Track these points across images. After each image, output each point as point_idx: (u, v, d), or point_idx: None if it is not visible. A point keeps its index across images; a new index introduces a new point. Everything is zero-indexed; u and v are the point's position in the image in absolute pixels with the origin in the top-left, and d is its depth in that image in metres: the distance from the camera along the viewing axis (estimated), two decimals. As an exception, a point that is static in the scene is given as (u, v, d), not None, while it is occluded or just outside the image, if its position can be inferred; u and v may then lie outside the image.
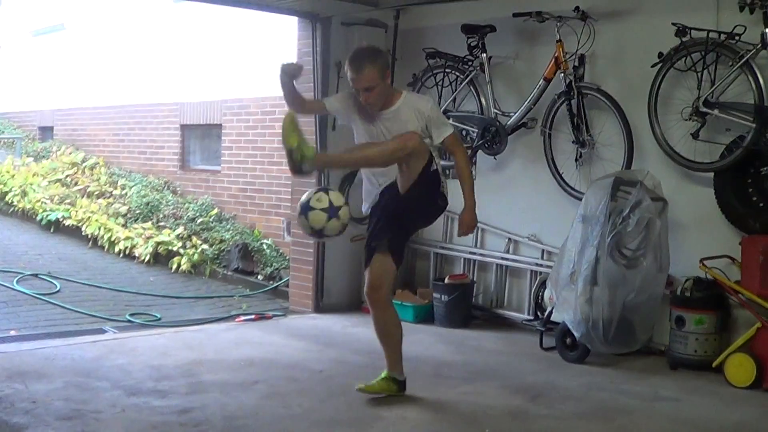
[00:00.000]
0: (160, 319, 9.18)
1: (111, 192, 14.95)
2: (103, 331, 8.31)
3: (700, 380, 6.67)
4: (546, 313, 7.74)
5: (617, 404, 6.06)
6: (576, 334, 7.01)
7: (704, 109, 6.88)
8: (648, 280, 6.88)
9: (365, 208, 6.19)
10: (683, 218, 7.30)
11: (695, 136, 6.97)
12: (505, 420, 5.60)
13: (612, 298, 6.82)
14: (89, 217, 13.57)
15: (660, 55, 7.11)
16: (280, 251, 11.61)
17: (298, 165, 5.51)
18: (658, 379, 6.74)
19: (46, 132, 19.33)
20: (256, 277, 11.24)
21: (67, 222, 13.78)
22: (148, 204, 13.75)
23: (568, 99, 7.71)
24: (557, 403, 6.06)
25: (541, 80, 7.91)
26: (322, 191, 5.68)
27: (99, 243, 13.02)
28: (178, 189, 14.49)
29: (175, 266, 11.86)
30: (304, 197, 5.67)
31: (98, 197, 14.85)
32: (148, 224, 13.13)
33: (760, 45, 6.58)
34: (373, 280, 5.83)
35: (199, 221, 12.82)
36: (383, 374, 5.95)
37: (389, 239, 5.82)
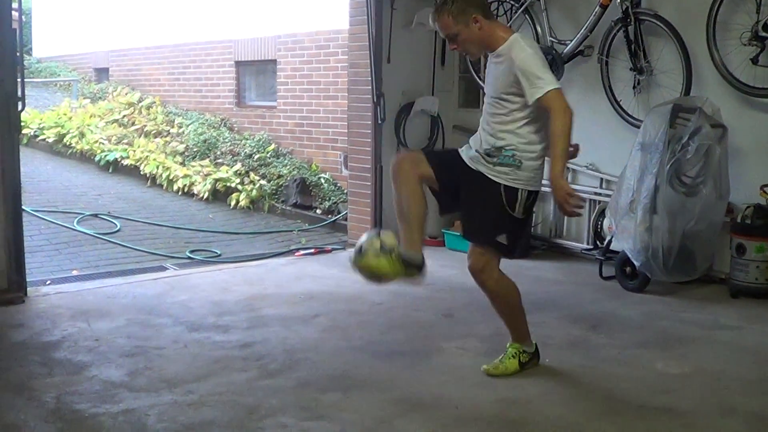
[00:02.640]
0: (219, 255, 9.25)
1: (168, 131, 15.03)
2: (163, 269, 8.39)
3: (761, 308, 6.61)
4: (605, 242, 7.70)
5: (677, 333, 6.03)
6: (636, 263, 6.98)
7: (764, 34, 6.72)
8: (708, 207, 6.81)
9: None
10: (743, 145, 7.18)
11: (755, 61, 6.82)
12: (566, 349, 5.60)
13: (671, 226, 6.77)
14: (147, 157, 13.67)
15: (718, -23, 6.97)
16: (338, 185, 11.65)
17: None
18: (718, 307, 6.70)
19: (102, 73, 19.43)
20: (315, 212, 11.28)
21: (126, 162, 13.89)
22: (205, 141, 13.82)
23: (625, 25, 7.59)
24: (617, 332, 6.05)
25: (598, 7, 7.77)
26: (374, 235, 5.01)
27: (157, 182, 13.13)
28: (234, 126, 14.53)
29: (233, 202, 11.95)
30: (356, 245, 5.04)
31: (155, 136, 14.95)
32: (206, 161, 13.21)
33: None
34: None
35: (256, 157, 12.87)
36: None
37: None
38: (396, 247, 4.87)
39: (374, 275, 4.97)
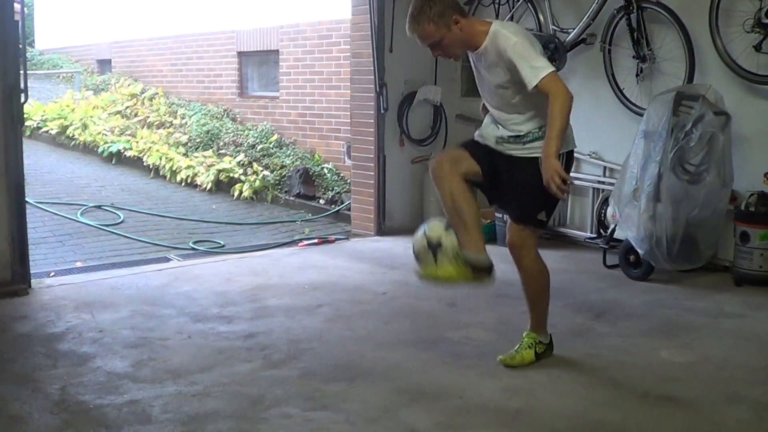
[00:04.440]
0: (223, 245, 9.25)
1: (171, 122, 15.04)
2: (167, 260, 8.40)
3: (765, 296, 6.60)
4: (609, 231, 7.70)
5: (681, 321, 6.03)
6: (639, 251, 6.97)
7: (767, 21, 6.71)
8: (711, 195, 6.80)
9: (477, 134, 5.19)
10: (746, 132, 7.17)
11: (758, 48, 6.81)
12: (569, 338, 5.59)
13: (675, 214, 6.76)
14: (150, 148, 13.68)
15: (721, -37, 6.95)
16: (341, 175, 11.65)
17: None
18: (722, 295, 6.69)
19: (105, 65, 19.45)
20: (318, 202, 11.29)
21: (129, 153, 13.90)
22: (208, 132, 13.82)
23: (628, 13, 7.58)
24: (621, 320, 6.05)
25: (600, -6, 7.78)
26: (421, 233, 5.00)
27: (161, 173, 13.14)
28: (237, 116, 14.54)
29: (236, 193, 11.96)
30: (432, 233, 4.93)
31: (158, 127, 14.96)
32: (209, 152, 13.21)
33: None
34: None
35: (259, 148, 12.88)
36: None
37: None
38: (458, 249, 4.82)
39: (444, 283, 4.98)
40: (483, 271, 4.91)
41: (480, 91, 5.12)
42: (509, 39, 4.71)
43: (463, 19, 4.86)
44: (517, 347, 5.15)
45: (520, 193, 4.96)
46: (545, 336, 5.21)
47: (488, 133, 5.04)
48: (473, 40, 4.85)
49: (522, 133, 4.88)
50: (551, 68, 4.68)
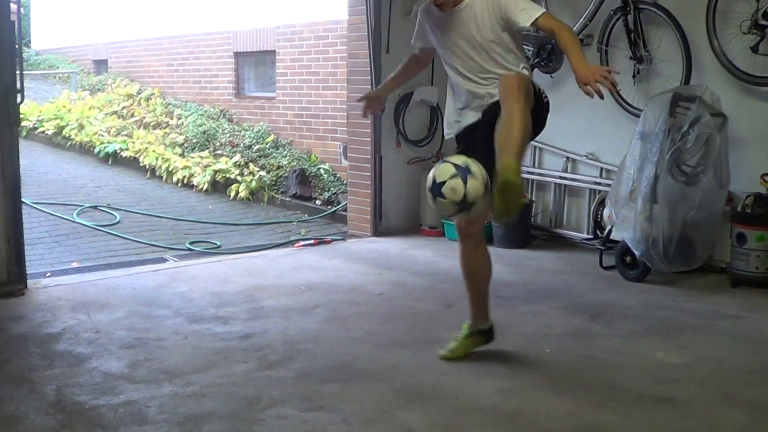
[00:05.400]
0: (219, 246, 9.25)
1: (167, 122, 15.02)
2: (163, 260, 8.39)
3: (761, 297, 6.61)
4: (605, 232, 7.70)
5: (678, 322, 6.03)
6: (636, 253, 6.98)
7: (764, 22, 6.72)
8: (708, 196, 6.81)
9: (448, 132, 5.25)
10: (743, 133, 7.17)
11: (755, 49, 6.82)
12: (566, 339, 5.60)
13: (672, 215, 6.77)
14: (146, 148, 13.66)
15: (718, -35, 6.96)
16: (338, 176, 11.65)
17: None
18: (719, 296, 6.70)
19: (101, 65, 19.42)
20: (314, 202, 11.28)
21: (125, 153, 13.88)
22: (204, 133, 13.81)
23: (625, 14, 7.60)
24: (617, 321, 6.05)
25: (597, -5, 7.80)
26: (439, 163, 4.80)
27: (157, 173, 13.12)
28: (233, 117, 14.52)
29: (233, 194, 11.94)
30: (428, 182, 4.68)
31: (155, 128, 14.94)
32: (205, 153, 13.20)
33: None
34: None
35: (255, 148, 12.87)
36: (464, 330, 5.32)
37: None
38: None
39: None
40: (483, 336, 5.28)
41: (446, 58, 5.10)
42: None
43: None
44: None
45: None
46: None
47: (460, 107, 5.10)
48: None
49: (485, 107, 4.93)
50: (543, 9, 4.87)
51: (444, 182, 4.56)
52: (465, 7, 4.91)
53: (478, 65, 4.94)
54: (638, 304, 6.50)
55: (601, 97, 4.62)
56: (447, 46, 5.05)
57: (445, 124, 5.28)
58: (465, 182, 4.53)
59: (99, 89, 17.78)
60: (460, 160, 4.64)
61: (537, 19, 4.74)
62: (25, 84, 6.72)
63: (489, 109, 4.91)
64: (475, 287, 5.23)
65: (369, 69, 9.01)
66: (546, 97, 5.06)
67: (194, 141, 13.74)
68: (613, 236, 7.54)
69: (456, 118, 5.14)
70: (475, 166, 4.59)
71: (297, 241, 9.21)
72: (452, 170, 4.57)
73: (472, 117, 5.03)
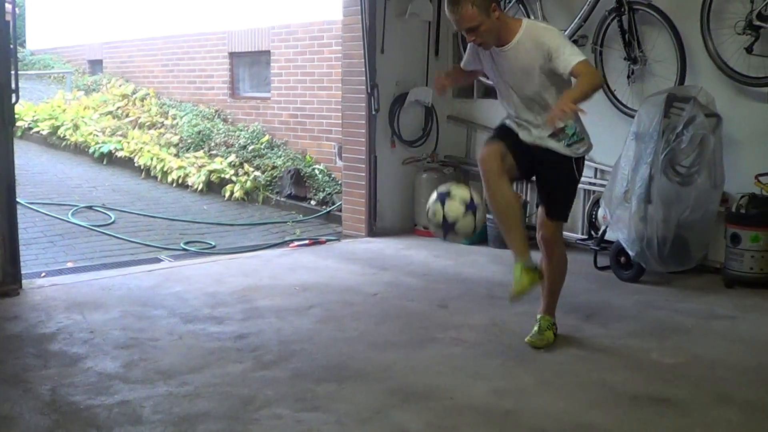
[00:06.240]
0: (214, 246, 9.25)
1: (162, 122, 15.03)
2: (158, 260, 8.39)
3: (755, 298, 6.62)
4: (600, 232, 7.71)
5: (672, 322, 6.04)
6: (630, 253, 6.98)
7: (758, 23, 6.72)
8: (702, 197, 6.81)
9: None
10: (737, 134, 7.18)
11: (749, 50, 6.82)
12: (560, 340, 5.59)
13: (666, 215, 6.77)
14: (141, 148, 13.67)
15: (713, -34, 6.97)
16: (332, 176, 11.66)
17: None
18: (713, 297, 6.70)
19: (96, 65, 19.42)
20: (309, 203, 11.29)
21: (120, 153, 13.89)
22: (199, 133, 13.82)
23: (619, 15, 7.59)
24: (612, 322, 6.06)
25: (591, -4, 7.80)
26: (462, 183, 5.24)
27: (152, 173, 13.13)
28: (228, 117, 14.53)
29: (228, 194, 11.95)
30: (443, 187, 5.23)
31: (150, 128, 14.96)
32: (200, 153, 13.21)
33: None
34: (495, 152, 5.09)
35: (250, 148, 12.88)
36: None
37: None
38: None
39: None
40: (536, 272, 5.23)
41: (501, 91, 5.30)
42: (549, 31, 5.09)
43: (500, 10, 5.02)
44: (538, 329, 5.48)
45: (558, 190, 5.35)
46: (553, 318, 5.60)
47: (521, 133, 5.26)
48: (504, 33, 5.04)
49: (560, 128, 5.07)
50: (584, 57, 4.95)
51: (428, 209, 5.17)
52: (511, 48, 5.05)
53: (527, 100, 5.15)
54: (633, 305, 6.51)
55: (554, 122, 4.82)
56: (497, 80, 5.28)
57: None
58: (443, 205, 5.06)
59: (94, 89, 17.80)
60: (444, 187, 5.19)
61: (575, 66, 4.87)
62: (20, 84, 6.72)
63: (538, 147, 5.21)
64: (508, 222, 5.23)
65: (364, 69, 9.00)
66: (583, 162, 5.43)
67: (189, 141, 13.75)
68: (607, 237, 7.55)
69: (513, 122, 5.33)
70: (455, 190, 5.11)
71: (292, 241, 9.22)
72: (434, 196, 5.14)
73: (524, 135, 5.24)
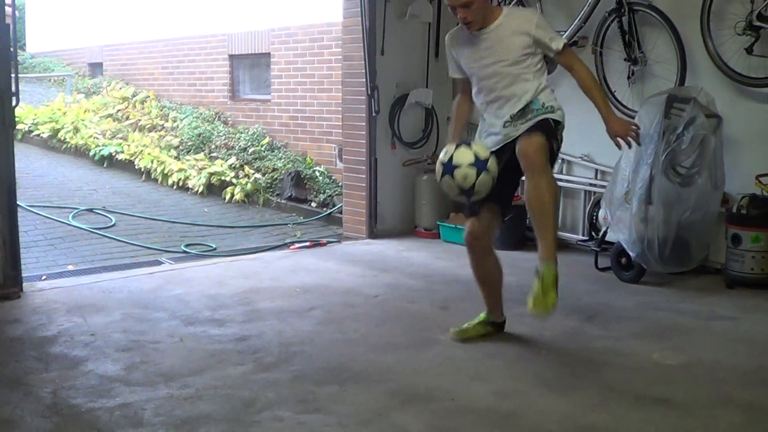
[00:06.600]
0: (215, 248, 9.25)
1: (162, 125, 15.04)
2: (159, 263, 8.39)
3: (756, 298, 6.61)
4: (601, 233, 7.71)
5: (673, 323, 6.03)
6: (631, 254, 6.98)
7: (758, 23, 6.71)
8: (703, 198, 6.81)
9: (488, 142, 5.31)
10: (738, 135, 7.18)
11: (749, 50, 6.82)
12: (561, 341, 5.60)
13: (667, 216, 6.77)
14: (142, 151, 13.67)
15: (713, -34, 6.96)
16: (333, 178, 11.66)
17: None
18: (714, 297, 6.70)
19: (96, 68, 19.43)
20: (310, 205, 11.29)
21: (120, 156, 13.89)
22: (199, 135, 13.82)
23: (619, 16, 7.59)
24: (613, 323, 6.05)
25: (591, -3, 7.80)
26: (463, 145, 5.07)
27: (152, 176, 13.13)
28: (228, 119, 14.54)
29: (228, 196, 11.95)
30: (442, 155, 5.09)
31: (150, 131, 14.97)
32: (201, 155, 13.21)
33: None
34: (478, 231, 5.35)
35: (250, 151, 12.88)
36: (480, 317, 5.68)
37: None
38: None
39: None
40: (501, 327, 5.68)
41: (475, 78, 5.35)
42: (532, 14, 5.59)
43: None
44: (540, 286, 4.97)
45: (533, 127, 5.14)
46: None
47: (493, 124, 5.30)
48: (489, 15, 5.20)
49: (524, 104, 5.16)
50: (564, 40, 5.28)
51: (459, 166, 4.97)
52: (493, 30, 5.20)
53: (504, 86, 5.22)
54: (634, 306, 6.50)
55: (629, 146, 5.40)
56: (474, 70, 5.33)
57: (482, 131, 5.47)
58: (478, 175, 4.96)
59: (94, 92, 17.81)
60: (483, 153, 5.02)
61: (564, 52, 5.23)
62: (20, 87, 6.71)
63: (512, 143, 5.16)
64: (487, 289, 5.61)
65: (364, 71, 9.00)
66: (561, 132, 5.38)
67: (189, 144, 13.76)
68: (608, 238, 7.55)
69: (487, 131, 5.39)
70: (493, 163, 5.00)
71: (292, 243, 9.22)
72: (471, 159, 4.97)
73: (495, 141, 5.28)
